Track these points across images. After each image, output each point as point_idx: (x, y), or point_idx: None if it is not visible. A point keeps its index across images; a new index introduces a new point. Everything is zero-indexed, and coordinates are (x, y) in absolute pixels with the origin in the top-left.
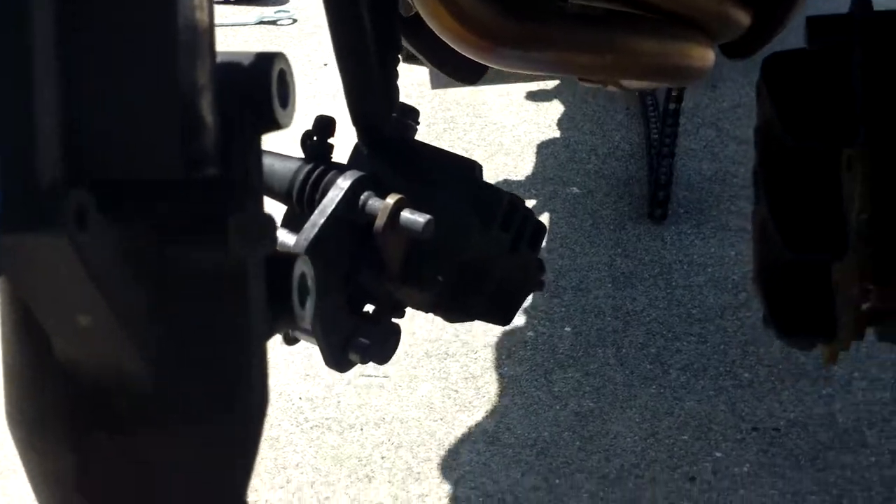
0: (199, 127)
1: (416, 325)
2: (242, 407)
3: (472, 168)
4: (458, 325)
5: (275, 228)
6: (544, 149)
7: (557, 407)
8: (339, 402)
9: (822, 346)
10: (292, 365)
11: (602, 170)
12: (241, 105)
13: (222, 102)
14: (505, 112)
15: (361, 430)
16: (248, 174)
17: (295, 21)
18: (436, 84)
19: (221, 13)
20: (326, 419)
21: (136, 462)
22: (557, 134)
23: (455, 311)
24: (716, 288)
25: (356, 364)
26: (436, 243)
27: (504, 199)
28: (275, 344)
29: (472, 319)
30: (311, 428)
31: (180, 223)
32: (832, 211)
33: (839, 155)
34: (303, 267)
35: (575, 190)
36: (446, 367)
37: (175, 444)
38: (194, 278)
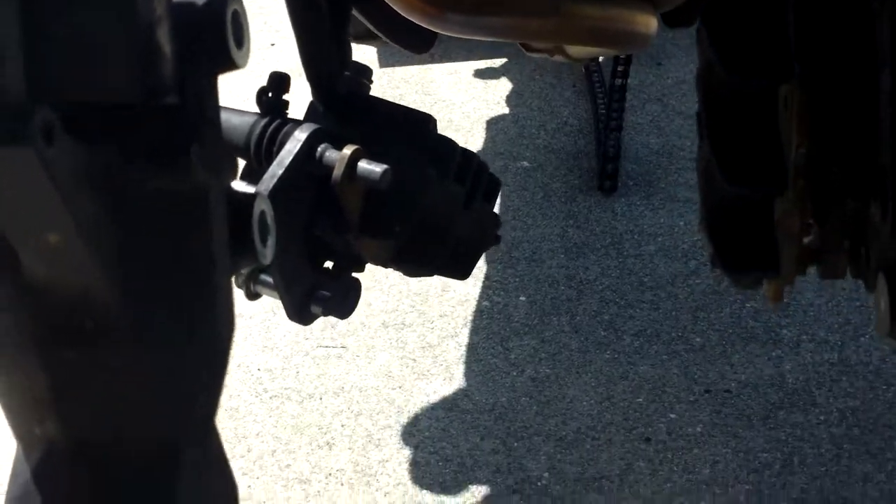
0: (157, 56)
1: (373, 297)
2: (207, 331)
3: (426, 121)
4: (413, 296)
5: (235, 159)
6: (493, 125)
7: (514, 373)
8: (297, 372)
9: (767, 284)
10: (250, 337)
11: (551, 144)
12: (197, 43)
13: (178, 40)
14: (454, 89)
15: (321, 399)
16: (208, 107)
17: None
18: (384, 62)
19: None
20: (286, 389)
21: (106, 381)
22: (506, 110)
23: (414, 264)
24: (666, 257)
25: (318, 317)
26: (392, 194)
27: (458, 151)
28: None
29: (431, 274)
30: (271, 398)
31: (144, 148)
32: (773, 148)
33: (777, 93)
34: (262, 205)
35: (525, 164)
36: (403, 337)
37: (143, 365)
38: (159, 203)
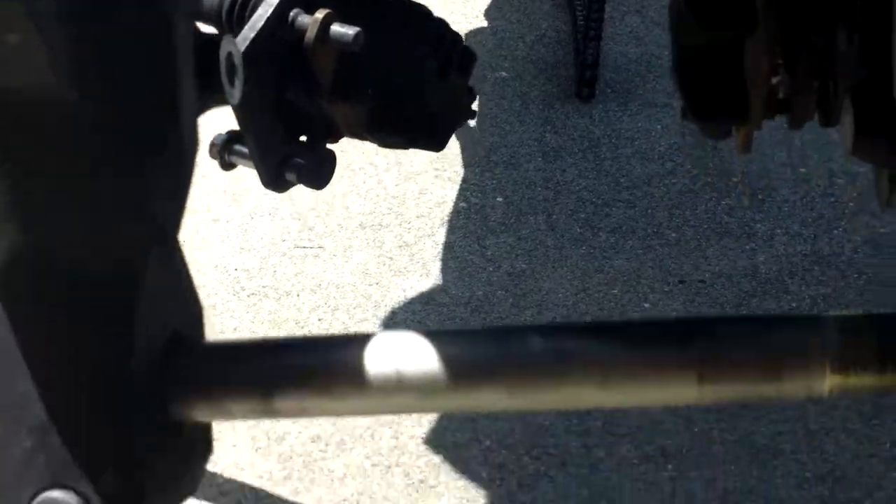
0: None
1: (350, 201)
2: (170, 148)
3: None
4: (391, 199)
5: None
6: (472, 38)
7: (490, 269)
8: (274, 271)
9: (736, 133)
10: (227, 240)
11: (530, 55)
12: None
13: None
14: (432, 4)
15: (298, 296)
16: None
17: None
18: None
19: None
20: (263, 287)
21: (65, 190)
22: (485, 24)
23: (387, 131)
24: (643, 159)
25: (293, 185)
26: (365, 58)
27: (434, 18)
28: (207, 223)
29: (406, 146)
30: (248, 296)
31: None
32: None
33: None
34: (229, 47)
35: (503, 74)
36: (380, 237)
37: (103, 178)
38: (122, 19)
